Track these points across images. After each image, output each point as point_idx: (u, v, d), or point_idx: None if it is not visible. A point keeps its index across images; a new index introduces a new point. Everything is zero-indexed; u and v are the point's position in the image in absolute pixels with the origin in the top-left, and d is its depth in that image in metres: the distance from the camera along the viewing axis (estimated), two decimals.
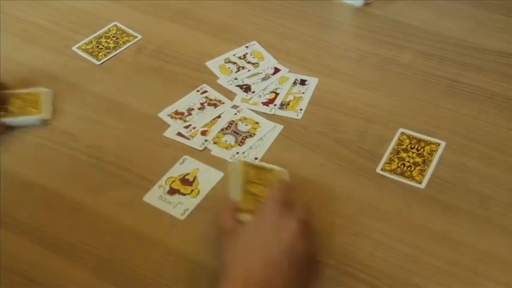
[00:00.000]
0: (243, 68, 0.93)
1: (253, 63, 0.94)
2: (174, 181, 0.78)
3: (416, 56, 0.94)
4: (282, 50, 0.96)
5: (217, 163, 0.80)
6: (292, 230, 0.61)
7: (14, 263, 0.69)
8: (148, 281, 0.68)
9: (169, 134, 0.84)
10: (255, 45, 0.97)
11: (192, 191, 0.76)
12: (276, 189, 0.68)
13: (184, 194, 0.76)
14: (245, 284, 0.58)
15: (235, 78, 0.91)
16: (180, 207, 0.75)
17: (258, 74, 0.92)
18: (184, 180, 0.78)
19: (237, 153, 0.80)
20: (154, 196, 0.75)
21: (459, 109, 0.85)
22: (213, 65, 0.94)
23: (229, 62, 0.94)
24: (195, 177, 0.78)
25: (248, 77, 0.91)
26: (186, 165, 0.79)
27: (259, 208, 0.65)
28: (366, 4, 1.04)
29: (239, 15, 1.04)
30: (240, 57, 0.95)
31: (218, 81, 0.91)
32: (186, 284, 0.67)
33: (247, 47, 0.97)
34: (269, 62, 0.94)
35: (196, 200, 0.75)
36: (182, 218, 0.74)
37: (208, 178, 0.78)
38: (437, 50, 0.95)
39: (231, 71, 0.93)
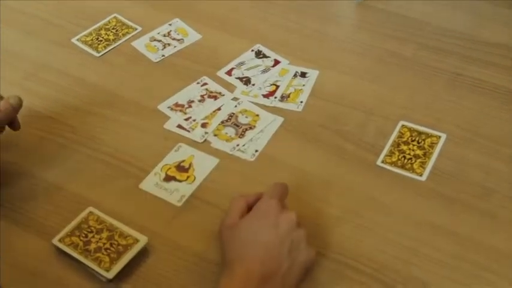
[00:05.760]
0: (169, 44, 0.96)
1: (178, 40, 0.96)
2: (169, 168, 0.77)
3: (418, 50, 0.93)
4: (283, 43, 0.96)
5: (215, 154, 0.79)
6: (290, 219, 0.64)
7: (15, 257, 0.69)
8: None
9: (170, 126, 0.83)
10: (177, 22, 1.00)
11: (188, 177, 0.76)
12: (273, 188, 0.68)
13: (180, 181, 0.76)
14: (246, 279, 0.59)
15: (163, 55, 0.93)
16: (177, 193, 0.74)
17: (257, 66, 0.91)
18: (180, 167, 0.77)
19: (237, 145, 0.80)
20: (151, 183, 0.75)
21: (461, 102, 0.85)
22: (139, 44, 0.96)
23: (155, 40, 0.97)
24: (190, 164, 0.78)
25: (248, 69, 0.91)
26: (181, 152, 0.79)
27: (256, 205, 0.66)
28: None
29: (240, 8, 1.04)
30: (164, 35, 0.97)
31: (217, 73, 0.91)
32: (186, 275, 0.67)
33: (170, 24, 1.00)
34: (193, 36, 0.97)
35: (193, 187, 0.75)
36: (179, 204, 0.73)
37: (203, 164, 0.78)
38: (440, 43, 0.94)
39: (157, 48, 0.95)
